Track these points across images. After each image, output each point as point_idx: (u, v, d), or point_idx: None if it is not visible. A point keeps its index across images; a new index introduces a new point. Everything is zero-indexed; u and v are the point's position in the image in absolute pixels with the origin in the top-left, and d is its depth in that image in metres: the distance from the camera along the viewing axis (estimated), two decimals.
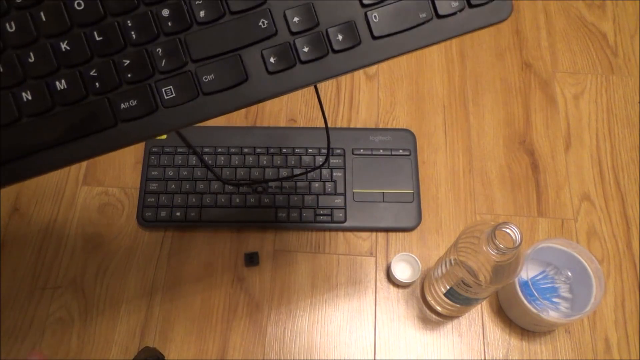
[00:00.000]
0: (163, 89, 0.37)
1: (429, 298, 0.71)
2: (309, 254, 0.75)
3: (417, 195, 0.77)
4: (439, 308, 0.70)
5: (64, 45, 0.37)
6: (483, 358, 0.69)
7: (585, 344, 0.70)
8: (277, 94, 0.38)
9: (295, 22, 0.37)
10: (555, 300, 0.70)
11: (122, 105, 0.37)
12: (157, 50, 0.37)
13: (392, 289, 0.73)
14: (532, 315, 0.64)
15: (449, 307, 0.68)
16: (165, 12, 0.37)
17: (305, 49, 0.37)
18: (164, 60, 0.37)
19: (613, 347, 0.70)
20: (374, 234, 0.76)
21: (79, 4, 0.37)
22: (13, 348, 0.68)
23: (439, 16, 0.36)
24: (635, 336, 0.71)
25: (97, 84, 0.37)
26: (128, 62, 0.37)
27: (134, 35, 0.37)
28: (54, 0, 0.37)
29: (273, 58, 0.37)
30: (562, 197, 0.80)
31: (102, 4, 0.37)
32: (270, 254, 0.75)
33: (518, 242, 0.52)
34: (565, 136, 0.84)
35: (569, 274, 0.69)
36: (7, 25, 0.36)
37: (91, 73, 0.37)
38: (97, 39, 0.37)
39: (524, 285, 0.67)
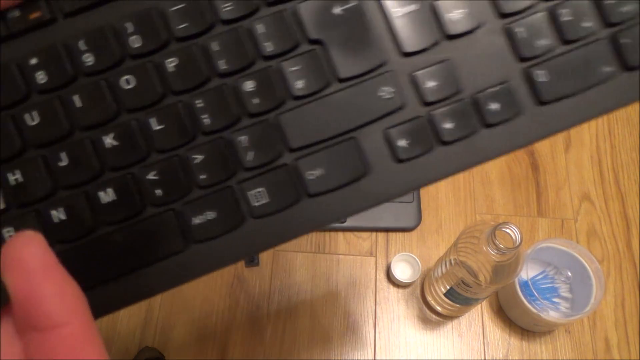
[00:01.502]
0: (251, 193, 0.25)
1: (429, 298, 0.69)
2: (309, 254, 0.72)
3: (417, 195, 0.74)
4: (439, 308, 0.67)
5: (108, 140, 0.25)
6: (483, 358, 0.66)
7: (585, 344, 0.67)
8: (410, 188, 0.26)
9: (429, 88, 0.25)
10: (555, 300, 0.67)
11: (195, 220, 0.25)
12: (240, 138, 0.25)
13: (392, 289, 0.71)
14: (532, 315, 0.62)
15: (449, 307, 0.65)
16: (249, 86, 0.25)
17: (448, 125, 0.25)
18: (250, 153, 0.25)
19: (613, 347, 0.67)
20: (374, 234, 0.73)
21: (127, 81, 0.25)
22: None
23: (628, 68, 0.25)
24: (635, 336, 0.68)
25: (158, 190, 0.25)
26: (201, 158, 0.25)
27: (206, 120, 0.25)
28: (92, 77, 0.25)
29: (403, 140, 0.25)
30: (562, 197, 0.76)
31: (161, 79, 0.25)
32: (270, 254, 0.71)
33: (518, 242, 0.50)
34: (565, 136, 0.80)
35: (569, 274, 0.66)
36: (28, 116, 0.24)
37: (149, 176, 0.25)
38: (155, 127, 0.25)
39: (524, 285, 0.64)
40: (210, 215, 0.25)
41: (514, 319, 0.69)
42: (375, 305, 0.71)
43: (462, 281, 0.57)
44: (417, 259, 0.70)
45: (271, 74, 0.25)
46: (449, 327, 0.70)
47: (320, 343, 0.69)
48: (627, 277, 0.73)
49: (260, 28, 0.25)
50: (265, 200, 0.25)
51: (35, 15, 0.25)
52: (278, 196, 0.25)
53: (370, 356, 0.68)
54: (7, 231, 0.24)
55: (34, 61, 0.25)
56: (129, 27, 0.25)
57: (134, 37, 0.25)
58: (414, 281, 0.70)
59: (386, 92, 0.25)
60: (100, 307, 0.24)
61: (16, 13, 0.25)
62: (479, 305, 0.71)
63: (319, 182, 0.25)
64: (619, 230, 0.75)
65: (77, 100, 0.25)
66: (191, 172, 0.25)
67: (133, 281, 0.25)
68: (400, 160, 0.26)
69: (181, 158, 0.25)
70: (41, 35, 0.25)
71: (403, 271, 0.71)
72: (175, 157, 0.25)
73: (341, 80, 0.25)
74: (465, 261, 0.56)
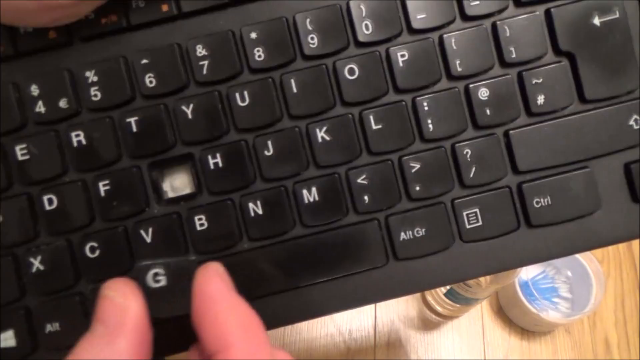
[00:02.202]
0: (465, 212, 0.23)
1: (429, 298, 0.67)
2: None
3: None
4: (439, 308, 0.65)
5: (321, 134, 0.22)
6: (483, 358, 0.65)
7: (585, 344, 0.66)
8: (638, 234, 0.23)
9: None
10: (555, 300, 0.65)
11: (402, 235, 0.22)
12: (465, 150, 0.22)
13: None
14: (532, 315, 0.60)
15: (449, 307, 0.63)
16: (483, 93, 0.22)
17: None
18: (471, 168, 0.22)
19: (613, 347, 0.66)
20: None
21: (351, 70, 0.22)
22: None
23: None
24: (635, 336, 0.66)
25: (365, 197, 0.22)
26: (417, 166, 0.22)
27: (429, 125, 0.22)
28: (313, 60, 0.22)
29: None
30: None
31: (389, 74, 0.22)
32: None
33: None
34: None
35: (569, 274, 0.64)
36: (241, 93, 0.22)
37: (359, 180, 0.22)
38: (374, 126, 0.22)
39: (524, 285, 0.62)
40: (419, 231, 0.22)
41: (514, 319, 0.68)
42: (375, 305, 0.70)
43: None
44: None
45: (509, 83, 0.22)
46: (449, 327, 0.69)
47: (320, 343, 0.68)
48: (627, 277, 0.73)
49: (505, 30, 0.22)
50: (477, 223, 0.23)
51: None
52: (493, 221, 0.23)
53: (371, 356, 0.68)
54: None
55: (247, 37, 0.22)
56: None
57: (365, 22, 0.22)
58: None
59: (637, 121, 0.22)
60: (280, 317, 0.23)
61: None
62: (479, 305, 0.70)
63: (544, 212, 0.22)
64: None
65: (294, 85, 0.22)
66: (405, 180, 0.22)
67: (320, 293, 0.23)
68: (638, 201, 0.22)
69: (394, 164, 0.23)
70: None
71: None
72: (389, 162, 0.23)
73: (585, 102, 0.22)
74: None
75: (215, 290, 0.17)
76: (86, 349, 0.16)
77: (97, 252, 0.22)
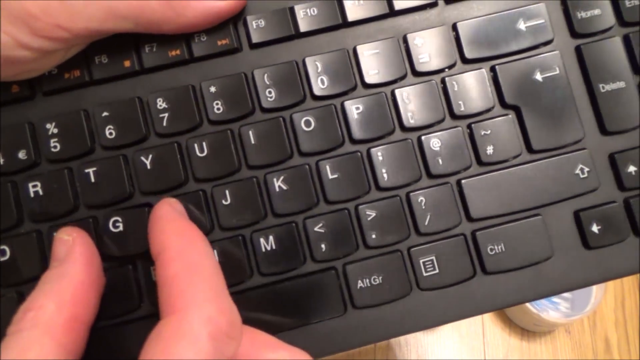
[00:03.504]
0: (421, 260, 0.22)
1: None
2: None
3: None
4: None
5: (278, 184, 0.22)
6: (483, 358, 0.65)
7: (585, 344, 0.65)
8: (595, 281, 0.23)
9: (629, 172, 0.23)
10: (555, 300, 0.65)
11: (360, 283, 0.22)
12: (420, 200, 0.22)
13: None
14: (532, 315, 0.60)
15: None
16: (435, 144, 0.23)
17: None
18: (428, 216, 0.22)
19: (613, 347, 0.65)
20: None
21: (307, 123, 0.23)
22: None
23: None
24: (635, 336, 0.66)
25: (322, 245, 0.22)
26: (373, 214, 0.22)
27: (384, 175, 0.22)
28: (271, 113, 0.23)
29: (594, 225, 0.23)
30: None
31: (343, 124, 0.23)
32: None
33: None
34: None
35: None
36: (198, 145, 0.22)
37: (316, 228, 0.22)
38: (330, 176, 0.22)
39: None
40: (377, 279, 0.22)
41: (514, 319, 0.68)
42: None
43: None
44: None
45: (459, 134, 0.23)
46: (449, 327, 0.68)
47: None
48: (627, 277, 0.73)
49: (454, 85, 0.23)
50: (434, 271, 0.23)
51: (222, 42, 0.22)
52: (450, 268, 0.23)
53: (371, 356, 0.66)
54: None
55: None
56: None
57: (320, 78, 0.23)
58: None
59: (583, 170, 0.23)
60: None
61: (203, 37, 0.22)
62: None
63: (498, 259, 0.23)
64: None
65: (252, 136, 0.22)
66: (361, 228, 0.23)
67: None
68: (590, 248, 0.23)
69: (350, 212, 0.23)
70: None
71: None
72: (345, 210, 0.23)
73: (533, 152, 0.23)
74: None
75: (163, 211, 0.20)
76: (44, 281, 0.19)
77: None
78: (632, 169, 0.23)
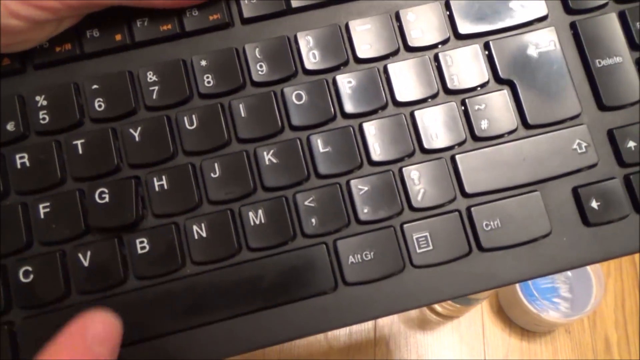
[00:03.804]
0: (415, 236, 0.22)
1: None
2: None
3: None
4: (439, 308, 0.64)
5: (268, 157, 0.22)
6: (483, 358, 0.64)
7: (585, 344, 0.65)
8: (595, 259, 0.22)
9: (628, 148, 0.22)
10: (555, 300, 0.64)
11: (351, 259, 0.21)
12: (412, 173, 0.22)
13: None
14: (532, 315, 0.60)
15: (449, 307, 0.62)
16: (428, 119, 0.22)
17: None
18: (422, 191, 0.22)
19: (613, 347, 0.65)
20: None
21: (299, 96, 0.22)
22: None
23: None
24: (635, 336, 0.65)
25: (313, 220, 0.21)
26: (366, 189, 0.22)
27: (375, 149, 0.22)
28: (262, 87, 0.23)
29: (594, 201, 0.22)
30: None
31: (335, 98, 0.23)
32: None
33: None
34: None
35: (569, 273, 0.64)
36: (188, 118, 0.22)
37: (307, 202, 0.22)
38: (321, 149, 0.22)
39: (524, 285, 0.61)
40: (368, 254, 0.22)
41: (514, 319, 0.66)
42: None
43: None
44: None
45: (453, 109, 0.23)
46: (449, 327, 0.67)
47: (320, 344, 0.66)
48: (627, 277, 0.71)
49: (447, 60, 0.23)
50: (428, 247, 0.22)
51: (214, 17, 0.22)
52: (445, 245, 0.22)
53: (371, 356, 0.65)
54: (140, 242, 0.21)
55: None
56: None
57: (312, 52, 0.23)
58: None
59: (581, 146, 0.22)
60: (223, 348, 0.21)
61: (195, 12, 0.22)
62: (479, 305, 0.69)
63: (494, 236, 0.22)
64: None
65: (242, 110, 0.22)
66: (353, 203, 0.22)
67: (267, 321, 0.21)
68: (589, 224, 0.22)
69: (341, 187, 0.22)
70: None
71: None
72: (337, 185, 0.22)
73: (529, 127, 0.23)
74: None
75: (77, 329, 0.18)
76: None
77: (30, 277, 0.20)
78: (631, 144, 0.22)
